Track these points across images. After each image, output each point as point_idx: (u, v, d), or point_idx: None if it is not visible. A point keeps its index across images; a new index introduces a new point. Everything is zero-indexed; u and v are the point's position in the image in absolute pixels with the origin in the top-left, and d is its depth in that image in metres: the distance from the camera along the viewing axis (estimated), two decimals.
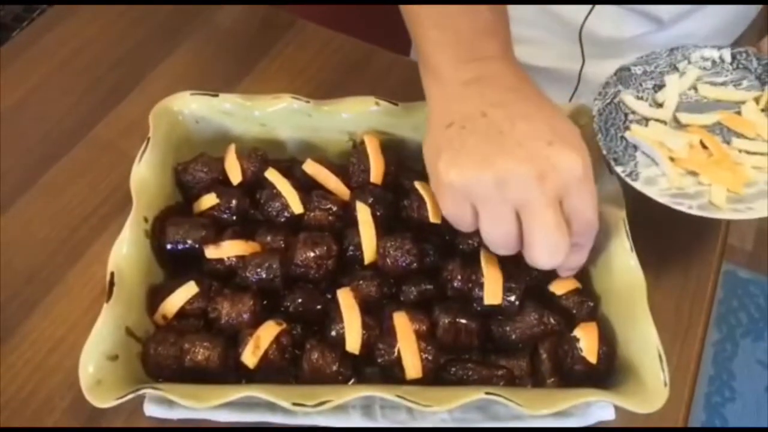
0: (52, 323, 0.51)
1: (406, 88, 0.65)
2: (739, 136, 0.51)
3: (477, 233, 0.49)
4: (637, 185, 0.47)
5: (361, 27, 0.74)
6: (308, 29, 0.71)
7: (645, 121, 0.52)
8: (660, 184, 0.48)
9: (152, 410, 0.46)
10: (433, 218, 0.49)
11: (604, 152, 0.48)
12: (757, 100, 0.52)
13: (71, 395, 0.48)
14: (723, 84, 0.54)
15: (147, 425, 0.46)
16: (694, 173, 0.48)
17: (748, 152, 0.50)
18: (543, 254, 0.41)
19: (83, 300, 0.52)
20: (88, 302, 0.52)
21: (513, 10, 0.72)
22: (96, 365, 0.41)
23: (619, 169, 0.48)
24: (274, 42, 0.69)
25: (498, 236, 0.41)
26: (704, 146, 0.50)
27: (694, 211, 0.45)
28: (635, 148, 0.50)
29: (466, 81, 0.43)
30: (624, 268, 0.46)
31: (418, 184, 0.50)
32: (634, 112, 0.52)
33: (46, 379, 0.48)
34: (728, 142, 0.50)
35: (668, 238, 0.56)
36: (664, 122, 0.52)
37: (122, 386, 0.41)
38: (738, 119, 0.52)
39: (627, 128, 0.51)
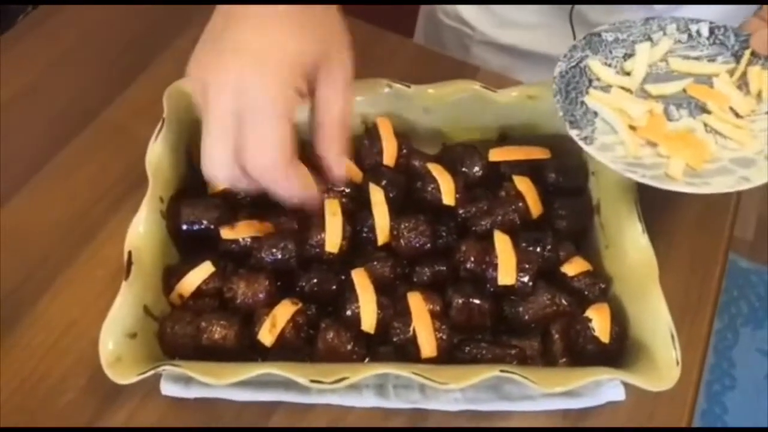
0: (66, 304, 0.51)
1: (413, 70, 0.65)
2: (708, 111, 0.48)
3: (487, 215, 0.50)
4: (591, 150, 0.45)
5: (363, 12, 0.74)
6: None
7: (609, 88, 0.49)
8: (616, 152, 0.45)
9: (168, 389, 0.46)
10: (446, 200, 0.49)
11: (561, 113, 0.46)
12: (731, 72, 0.50)
13: (86, 375, 0.48)
14: (697, 58, 0.51)
15: (162, 403, 0.46)
16: (653, 144, 0.46)
17: (715, 131, 0.47)
18: (204, 160, 0.40)
19: (96, 281, 0.52)
20: (100, 284, 0.52)
21: None
22: (116, 342, 0.41)
23: (573, 132, 0.46)
24: None
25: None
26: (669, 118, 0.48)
27: (647, 180, 0.43)
28: (595, 114, 0.48)
29: None
30: (636, 249, 0.46)
31: (430, 166, 0.51)
32: (598, 79, 0.50)
33: (60, 360, 0.49)
34: (694, 117, 0.48)
35: (677, 222, 0.57)
36: (629, 91, 0.49)
37: (141, 364, 0.41)
38: (705, 89, 0.49)
39: (587, 93, 0.49)
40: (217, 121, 0.39)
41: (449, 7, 0.78)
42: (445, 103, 0.54)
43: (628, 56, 0.51)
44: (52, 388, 0.48)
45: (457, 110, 0.54)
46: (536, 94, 0.53)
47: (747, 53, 0.49)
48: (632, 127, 0.47)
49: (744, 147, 0.46)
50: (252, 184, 0.41)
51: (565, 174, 0.53)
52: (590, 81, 0.50)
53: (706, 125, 0.48)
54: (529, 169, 0.53)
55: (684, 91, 0.49)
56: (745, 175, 0.44)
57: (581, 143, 0.45)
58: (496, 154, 0.53)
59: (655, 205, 0.53)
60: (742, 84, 0.49)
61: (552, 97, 0.50)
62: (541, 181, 0.52)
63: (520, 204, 0.50)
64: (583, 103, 0.48)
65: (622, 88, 0.50)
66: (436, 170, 0.50)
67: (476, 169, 0.53)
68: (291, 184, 0.41)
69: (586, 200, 0.52)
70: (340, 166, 0.43)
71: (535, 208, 0.50)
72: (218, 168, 0.40)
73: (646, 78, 0.50)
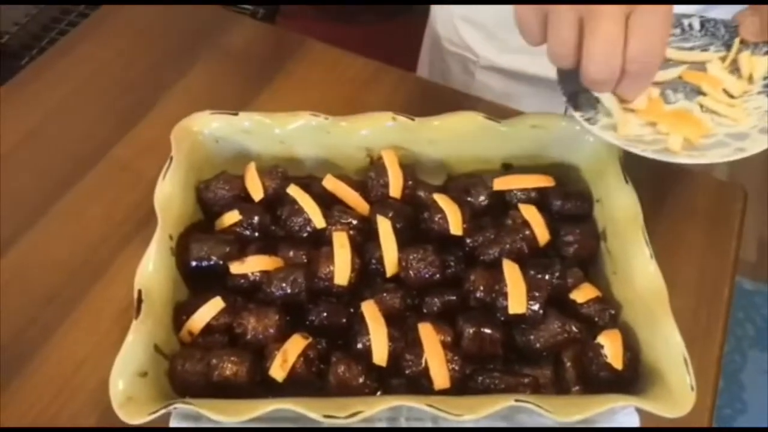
0: (75, 344, 0.51)
1: (416, 104, 0.66)
2: (703, 94, 0.51)
3: (495, 244, 0.50)
4: (595, 129, 0.48)
5: (366, 44, 0.75)
6: (317, 49, 0.72)
7: None
8: (617, 132, 0.48)
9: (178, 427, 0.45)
10: (453, 230, 0.50)
11: (564, 97, 0.49)
12: (723, 59, 0.53)
13: (96, 415, 0.48)
14: (690, 49, 0.54)
15: None
16: (652, 124, 0.49)
17: (710, 110, 0.50)
18: (590, 64, 0.42)
19: (105, 320, 0.52)
20: (109, 322, 0.52)
21: (506, 16, 0.74)
22: (126, 382, 0.41)
23: (577, 114, 0.49)
24: (284, 62, 0.70)
25: (557, 43, 0.43)
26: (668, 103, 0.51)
27: (648, 154, 0.46)
28: (597, 100, 0.50)
29: None
30: (644, 274, 0.46)
31: (437, 196, 0.51)
32: None
33: (70, 400, 0.49)
34: (690, 100, 0.51)
35: (683, 246, 0.57)
36: None
37: (152, 403, 0.41)
38: (699, 75, 0.52)
39: None
40: (606, 16, 0.40)
41: (453, 35, 0.79)
42: (450, 134, 0.54)
43: None
44: (62, 428, 0.47)
45: (461, 141, 0.55)
46: (539, 124, 0.54)
47: (737, 42, 0.52)
48: (631, 111, 0.49)
49: (738, 123, 0.49)
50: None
51: (571, 201, 0.53)
52: None
53: (701, 106, 0.50)
54: (535, 197, 0.53)
55: (679, 77, 0.52)
56: (741, 146, 0.46)
57: (584, 124, 0.48)
58: (501, 183, 0.54)
59: (660, 230, 0.53)
60: (734, 69, 0.52)
61: (558, 124, 0.51)
62: (547, 208, 0.53)
63: (527, 232, 0.50)
64: (585, 90, 0.50)
65: None
66: (443, 200, 0.51)
67: (482, 198, 0.53)
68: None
69: (592, 227, 0.53)
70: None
71: (542, 235, 0.51)
72: (607, 67, 0.42)
73: None
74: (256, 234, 0.51)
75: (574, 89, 0.50)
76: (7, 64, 0.96)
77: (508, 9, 0.73)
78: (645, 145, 0.47)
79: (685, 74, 0.52)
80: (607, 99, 0.49)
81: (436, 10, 0.81)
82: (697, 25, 0.55)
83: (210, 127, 0.54)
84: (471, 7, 0.76)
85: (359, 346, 0.45)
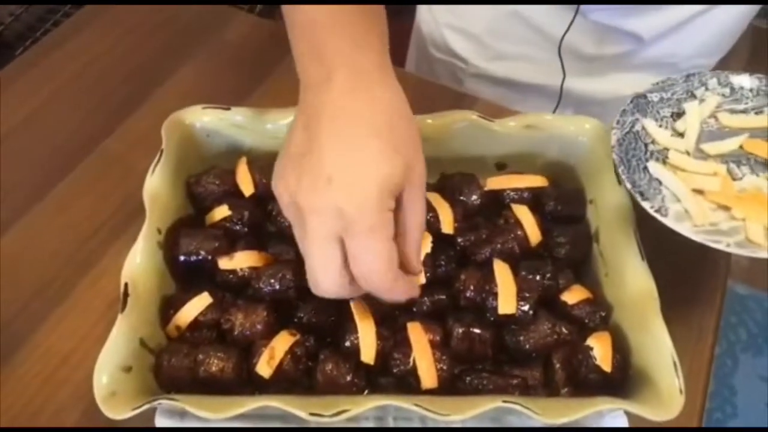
0: (61, 336, 0.51)
1: (411, 102, 0.66)
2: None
3: (487, 244, 0.50)
4: (668, 222, 0.44)
5: None
6: None
7: (665, 150, 0.49)
8: (691, 220, 0.45)
9: (163, 422, 0.45)
10: (445, 229, 0.49)
11: (629, 186, 0.46)
12: None
13: (81, 408, 0.47)
14: (744, 111, 0.51)
15: None
16: (725, 208, 0.46)
17: None
18: (311, 283, 0.41)
19: (92, 313, 0.52)
20: (97, 315, 0.52)
21: (495, 25, 0.74)
22: (110, 376, 0.40)
23: (646, 205, 0.45)
24: (281, 57, 0.69)
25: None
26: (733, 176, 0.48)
27: (732, 249, 0.43)
28: (659, 181, 0.48)
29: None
30: (636, 277, 0.46)
31: (429, 195, 0.51)
32: (654, 142, 0.50)
33: (55, 393, 0.48)
34: (757, 174, 0.48)
35: (676, 248, 0.56)
36: (686, 153, 0.49)
37: (136, 398, 0.41)
38: (763, 144, 0.48)
39: (648, 159, 0.48)
40: (321, 246, 0.39)
41: (440, 41, 0.79)
42: (444, 132, 0.54)
43: (676, 116, 0.51)
44: (48, 421, 0.47)
45: (455, 140, 0.54)
46: (534, 124, 0.54)
47: None
48: (698, 191, 0.46)
49: None
50: (357, 292, 0.41)
51: (564, 202, 0.53)
52: (646, 145, 0.49)
53: None
54: (528, 197, 0.53)
55: (741, 147, 0.49)
56: None
57: (656, 215, 0.45)
58: (494, 183, 0.54)
59: (653, 232, 0.53)
60: None
61: (552, 124, 0.50)
62: (540, 209, 0.52)
63: (519, 232, 0.50)
64: (645, 169, 0.48)
65: (678, 150, 0.49)
66: (435, 199, 0.50)
67: (474, 197, 0.53)
68: (398, 292, 0.41)
69: (585, 228, 0.52)
70: (421, 266, 0.44)
71: (534, 236, 0.50)
72: (330, 289, 0.41)
73: (699, 137, 0.50)
74: (246, 229, 0.51)
75: (634, 173, 0.47)
76: (2, 53, 0.96)
77: (495, 17, 0.73)
78: (723, 236, 0.44)
79: (747, 144, 0.49)
80: (671, 182, 0.46)
81: (422, 18, 0.80)
82: (747, 83, 0.52)
83: (201, 121, 0.53)
84: (458, 15, 0.76)
85: (347, 344, 0.45)
